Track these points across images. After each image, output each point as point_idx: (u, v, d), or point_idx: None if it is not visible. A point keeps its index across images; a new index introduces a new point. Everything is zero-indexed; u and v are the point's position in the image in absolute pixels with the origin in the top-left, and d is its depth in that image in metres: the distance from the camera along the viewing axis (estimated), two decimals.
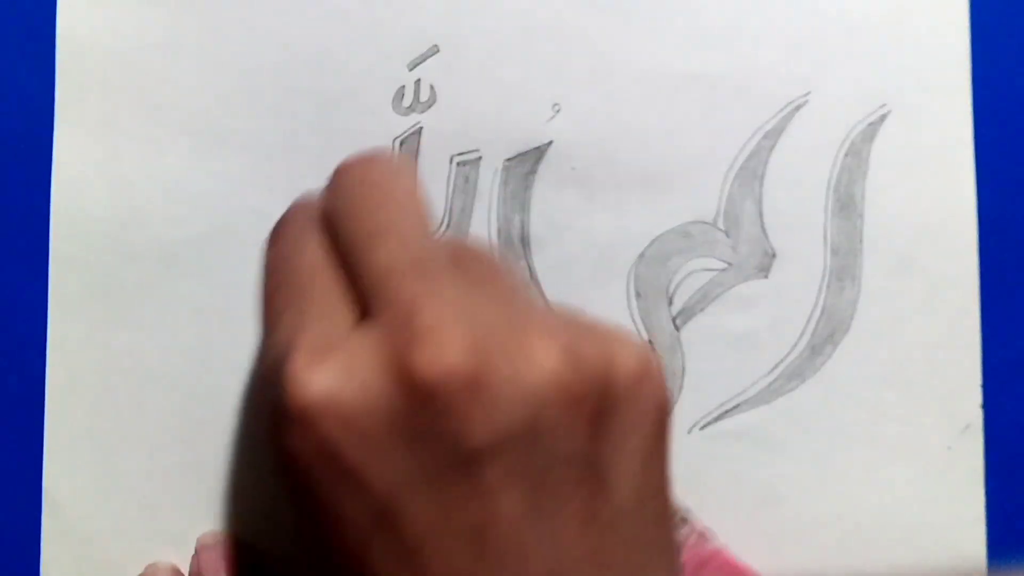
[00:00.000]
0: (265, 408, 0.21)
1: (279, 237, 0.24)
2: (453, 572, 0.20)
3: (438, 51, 0.31)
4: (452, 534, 0.20)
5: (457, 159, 0.31)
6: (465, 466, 0.20)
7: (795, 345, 0.31)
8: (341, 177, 0.24)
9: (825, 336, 0.31)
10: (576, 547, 0.20)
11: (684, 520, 0.30)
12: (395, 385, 0.20)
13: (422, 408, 0.20)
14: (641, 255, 0.31)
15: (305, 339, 0.21)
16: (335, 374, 0.20)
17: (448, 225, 0.31)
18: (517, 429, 0.20)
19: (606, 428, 0.21)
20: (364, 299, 0.22)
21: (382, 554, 0.20)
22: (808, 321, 0.31)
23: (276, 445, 0.20)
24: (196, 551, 0.29)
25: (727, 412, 0.30)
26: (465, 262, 0.23)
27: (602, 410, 0.21)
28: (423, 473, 0.20)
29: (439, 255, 0.22)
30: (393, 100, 0.31)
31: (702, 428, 0.30)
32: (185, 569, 0.29)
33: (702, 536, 0.29)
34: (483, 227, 0.31)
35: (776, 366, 0.30)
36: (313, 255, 0.23)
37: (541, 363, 0.20)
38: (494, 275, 0.23)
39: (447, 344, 0.20)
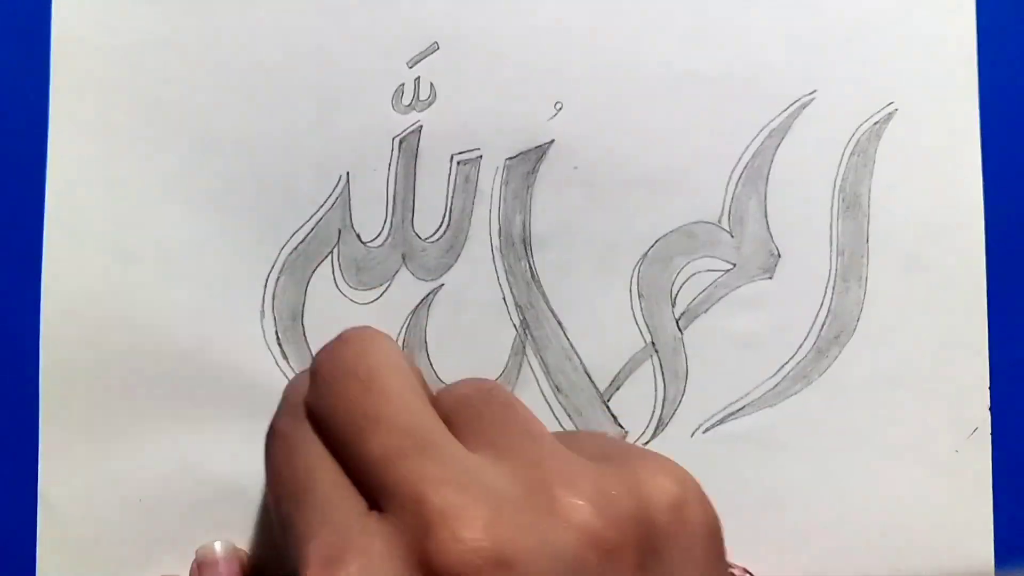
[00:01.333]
0: None
1: (273, 442, 0.24)
2: None
3: (438, 48, 0.30)
4: None
5: (458, 158, 0.30)
6: None
7: (800, 347, 0.30)
8: (320, 369, 0.23)
9: (831, 338, 0.30)
10: None
11: None
12: None
13: None
14: (644, 255, 0.30)
15: (316, 549, 0.20)
16: None
17: (448, 225, 0.30)
18: None
19: (655, 567, 0.20)
20: (368, 490, 0.21)
21: None
22: (813, 322, 0.30)
23: None
24: (196, 565, 0.29)
25: (731, 415, 0.30)
26: (464, 417, 0.22)
27: (646, 550, 0.20)
28: None
29: (434, 426, 0.21)
30: (393, 98, 0.30)
31: (705, 431, 0.30)
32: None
33: None
34: (484, 227, 0.30)
35: (781, 368, 0.30)
36: (308, 455, 0.22)
37: (568, 521, 0.19)
38: (498, 422, 0.22)
39: (463, 526, 0.19)
